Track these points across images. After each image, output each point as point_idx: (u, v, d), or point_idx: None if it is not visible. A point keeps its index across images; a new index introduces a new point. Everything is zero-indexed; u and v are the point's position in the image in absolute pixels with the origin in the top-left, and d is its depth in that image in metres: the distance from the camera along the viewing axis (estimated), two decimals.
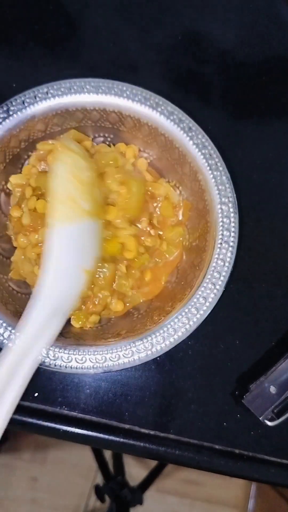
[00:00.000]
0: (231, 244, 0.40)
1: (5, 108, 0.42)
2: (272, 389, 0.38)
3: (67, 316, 0.37)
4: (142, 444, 0.40)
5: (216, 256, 0.40)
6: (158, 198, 0.45)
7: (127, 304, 0.43)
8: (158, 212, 0.45)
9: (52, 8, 0.53)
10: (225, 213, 0.41)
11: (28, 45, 0.51)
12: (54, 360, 0.37)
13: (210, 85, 0.51)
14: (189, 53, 0.52)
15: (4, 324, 0.38)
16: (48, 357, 0.37)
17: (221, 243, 0.40)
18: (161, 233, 0.44)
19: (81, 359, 0.37)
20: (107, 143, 0.46)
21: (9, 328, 0.38)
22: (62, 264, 0.36)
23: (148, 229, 0.43)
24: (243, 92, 0.51)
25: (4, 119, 0.42)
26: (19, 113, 0.42)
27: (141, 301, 0.43)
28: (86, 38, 0.52)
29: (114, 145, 0.46)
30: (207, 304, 0.39)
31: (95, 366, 0.37)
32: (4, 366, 0.33)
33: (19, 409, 0.40)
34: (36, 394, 0.41)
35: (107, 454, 1.00)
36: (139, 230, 0.43)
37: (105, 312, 0.43)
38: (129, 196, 0.42)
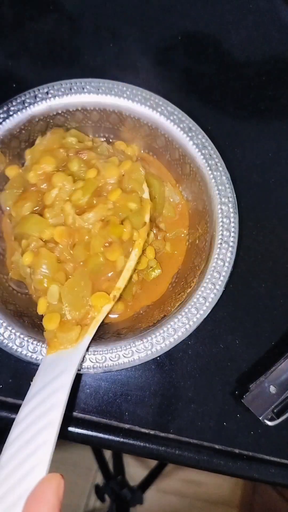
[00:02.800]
0: (231, 244, 0.40)
1: (5, 108, 0.42)
2: (272, 389, 0.38)
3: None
4: (142, 443, 0.40)
5: (216, 256, 0.40)
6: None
7: (129, 304, 0.43)
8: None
9: (52, 8, 0.53)
10: (225, 213, 0.41)
11: (28, 45, 0.51)
12: None
13: (210, 86, 0.51)
14: (189, 53, 0.52)
15: (4, 324, 0.38)
16: None
17: (221, 243, 0.40)
18: (168, 235, 0.45)
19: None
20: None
21: (9, 328, 0.38)
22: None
23: (155, 231, 0.43)
24: (243, 93, 0.51)
25: (4, 119, 0.42)
26: (19, 113, 0.42)
27: (146, 304, 0.43)
28: (86, 38, 0.52)
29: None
30: (207, 304, 0.39)
31: (95, 366, 0.37)
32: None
33: (19, 408, 0.40)
34: None
35: (107, 454, 1.00)
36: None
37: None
38: (155, 195, 0.43)
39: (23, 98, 0.42)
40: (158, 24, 0.53)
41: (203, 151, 0.42)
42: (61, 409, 0.31)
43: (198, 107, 0.49)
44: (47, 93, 0.43)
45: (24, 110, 0.42)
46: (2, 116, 0.42)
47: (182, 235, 0.45)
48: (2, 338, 0.37)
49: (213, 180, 0.42)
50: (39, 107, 0.42)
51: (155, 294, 0.43)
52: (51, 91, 0.43)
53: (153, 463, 1.03)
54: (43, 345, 0.37)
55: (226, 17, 0.54)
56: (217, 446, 0.41)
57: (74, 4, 0.53)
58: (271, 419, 0.38)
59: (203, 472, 0.43)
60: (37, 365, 0.37)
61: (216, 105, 0.50)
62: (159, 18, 0.53)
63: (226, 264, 0.40)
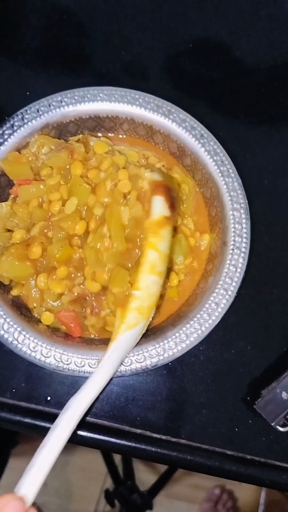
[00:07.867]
0: (243, 250, 0.40)
1: (20, 117, 0.43)
2: (284, 395, 0.38)
3: None
4: (153, 449, 0.40)
5: (228, 262, 0.40)
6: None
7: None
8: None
9: (65, 17, 0.54)
10: (237, 219, 0.41)
11: (42, 54, 0.52)
12: (67, 364, 0.38)
13: (221, 92, 0.51)
14: (200, 60, 0.53)
15: (19, 329, 0.38)
16: (62, 361, 0.38)
17: (233, 249, 0.40)
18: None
19: (94, 364, 0.38)
20: None
21: (19, 329, 0.38)
22: None
23: None
24: (253, 99, 0.51)
25: (19, 127, 0.42)
26: (33, 121, 0.43)
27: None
28: (98, 46, 0.53)
29: None
30: (219, 309, 0.39)
31: None
32: None
33: (32, 412, 0.41)
34: (48, 398, 0.41)
35: (117, 459, 1.00)
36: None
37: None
38: (186, 195, 0.44)
39: (37, 107, 0.43)
40: (169, 31, 0.54)
41: (215, 158, 0.42)
42: None
43: (209, 114, 0.50)
44: (60, 101, 0.43)
45: (38, 118, 0.43)
46: (17, 124, 0.42)
47: (209, 241, 0.44)
48: (16, 342, 0.38)
49: (225, 186, 0.42)
50: (53, 115, 0.43)
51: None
52: (65, 99, 0.43)
53: (163, 468, 1.02)
54: (56, 350, 0.38)
55: (237, 24, 0.54)
56: (228, 452, 0.41)
57: (85, 12, 0.54)
58: (283, 425, 0.38)
59: (213, 478, 0.43)
60: (50, 370, 0.38)
61: (227, 112, 0.50)
62: (170, 25, 0.54)
63: (238, 270, 0.40)
